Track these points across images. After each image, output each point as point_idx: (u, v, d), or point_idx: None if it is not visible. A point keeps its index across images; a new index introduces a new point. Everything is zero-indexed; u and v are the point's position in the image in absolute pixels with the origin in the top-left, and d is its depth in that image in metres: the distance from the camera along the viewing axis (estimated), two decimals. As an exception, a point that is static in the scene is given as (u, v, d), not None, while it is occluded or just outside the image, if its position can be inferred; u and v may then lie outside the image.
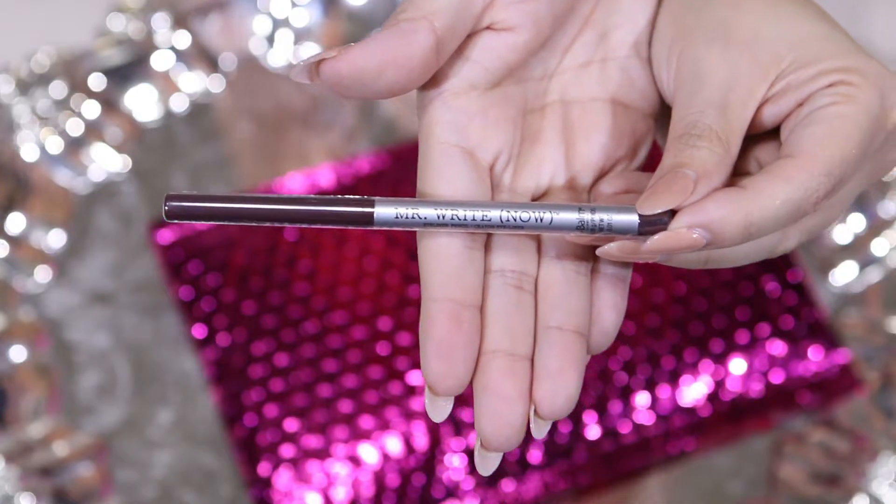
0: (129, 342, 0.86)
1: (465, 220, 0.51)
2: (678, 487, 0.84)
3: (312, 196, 0.51)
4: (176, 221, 0.51)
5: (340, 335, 0.83)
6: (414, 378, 0.82)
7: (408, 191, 0.87)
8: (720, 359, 0.85)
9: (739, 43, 0.52)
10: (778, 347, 0.85)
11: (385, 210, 0.51)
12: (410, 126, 0.92)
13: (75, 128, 0.90)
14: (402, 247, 0.85)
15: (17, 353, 0.85)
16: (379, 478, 0.81)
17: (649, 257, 0.51)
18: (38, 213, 0.88)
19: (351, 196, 0.51)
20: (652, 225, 0.50)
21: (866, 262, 0.90)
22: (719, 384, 0.84)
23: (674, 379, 0.84)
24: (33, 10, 0.97)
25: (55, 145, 0.90)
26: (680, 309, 0.85)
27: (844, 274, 0.90)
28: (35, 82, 0.91)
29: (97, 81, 0.92)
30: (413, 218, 0.51)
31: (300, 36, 0.94)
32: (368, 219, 0.51)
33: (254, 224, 0.51)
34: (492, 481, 0.82)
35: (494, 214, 0.51)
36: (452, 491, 0.82)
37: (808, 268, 0.89)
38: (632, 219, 0.50)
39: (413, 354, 0.83)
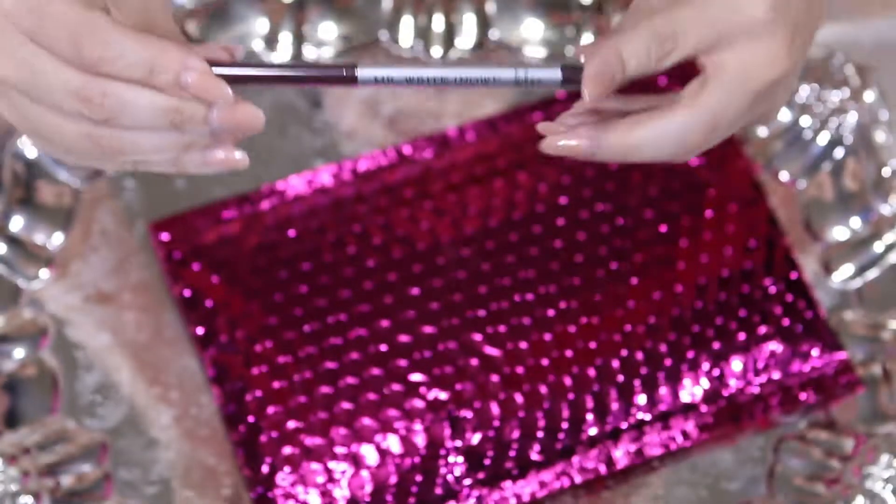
0: (129, 341, 0.86)
1: (427, 79, 0.65)
2: (677, 486, 0.84)
3: (310, 63, 0.63)
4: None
5: (341, 335, 0.83)
6: (414, 378, 0.82)
7: (407, 191, 0.87)
8: (719, 358, 0.85)
9: None
10: (777, 347, 0.85)
11: (366, 73, 0.64)
12: (411, 126, 0.93)
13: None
14: (402, 246, 0.85)
15: (18, 353, 0.85)
16: (379, 477, 0.81)
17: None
18: (38, 212, 0.89)
19: (338, 63, 0.64)
20: (571, 83, 0.64)
21: (866, 261, 0.90)
22: (719, 383, 0.85)
23: (673, 378, 0.84)
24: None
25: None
26: (679, 308, 0.85)
27: (844, 273, 0.90)
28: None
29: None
30: (388, 80, 0.65)
31: (300, 36, 0.95)
32: (353, 78, 0.65)
33: (260, 86, 0.63)
34: (491, 481, 0.82)
35: (450, 75, 0.65)
36: (452, 490, 0.82)
37: (807, 267, 0.89)
38: (556, 75, 0.64)
39: (413, 354, 0.83)
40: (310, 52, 0.94)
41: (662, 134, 0.64)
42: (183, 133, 0.63)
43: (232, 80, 0.63)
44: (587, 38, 0.95)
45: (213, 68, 0.63)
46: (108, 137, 0.63)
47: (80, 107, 0.62)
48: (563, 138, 0.65)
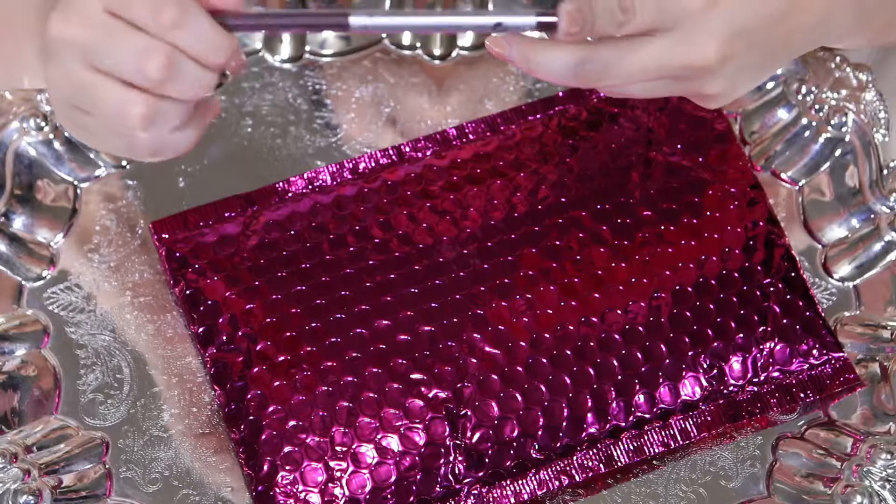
0: (130, 341, 0.86)
1: (413, 26, 0.72)
2: (677, 485, 0.84)
3: (305, 11, 0.71)
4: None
5: (341, 334, 0.83)
6: (414, 377, 0.82)
7: (408, 191, 0.87)
8: (719, 357, 0.85)
9: None
10: (777, 346, 0.86)
11: (358, 20, 0.70)
12: (410, 126, 0.93)
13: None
14: (402, 245, 0.85)
15: (20, 352, 0.85)
16: (378, 476, 0.81)
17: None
18: (39, 211, 0.89)
19: (332, 11, 0.72)
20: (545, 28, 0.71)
21: (865, 260, 0.90)
22: (718, 382, 0.85)
23: (673, 377, 0.84)
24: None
25: (56, 143, 0.90)
26: (679, 307, 0.85)
27: (843, 273, 0.90)
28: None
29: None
30: (377, 27, 0.71)
31: (300, 36, 0.95)
32: (345, 25, 0.70)
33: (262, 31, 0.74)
34: (491, 479, 0.82)
35: (433, 23, 0.71)
36: (452, 489, 0.82)
37: (806, 266, 0.89)
38: (531, 21, 0.71)
39: (413, 353, 0.83)
40: (310, 53, 0.94)
41: (558, 66, 0.73)
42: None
43: (236, 28, 0.72)
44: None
45: (219, 19, 0.71)
46: (153, 103, 0.72)
47: (142, 66, 0.71)
48: (498, 42, 0.73)
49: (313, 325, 0.83)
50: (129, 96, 0.72)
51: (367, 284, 0.84)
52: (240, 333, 0.83)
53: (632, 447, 0.83)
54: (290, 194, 0.87)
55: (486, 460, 0.82)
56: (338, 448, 0.81)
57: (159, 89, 0.71)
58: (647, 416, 0.84)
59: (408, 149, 0.89)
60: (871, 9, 0.79)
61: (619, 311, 0.84)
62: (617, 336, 0.84)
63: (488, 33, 0.71)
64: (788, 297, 0.86)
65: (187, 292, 0.85)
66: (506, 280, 0.84)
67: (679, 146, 0.88)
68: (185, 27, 0.71)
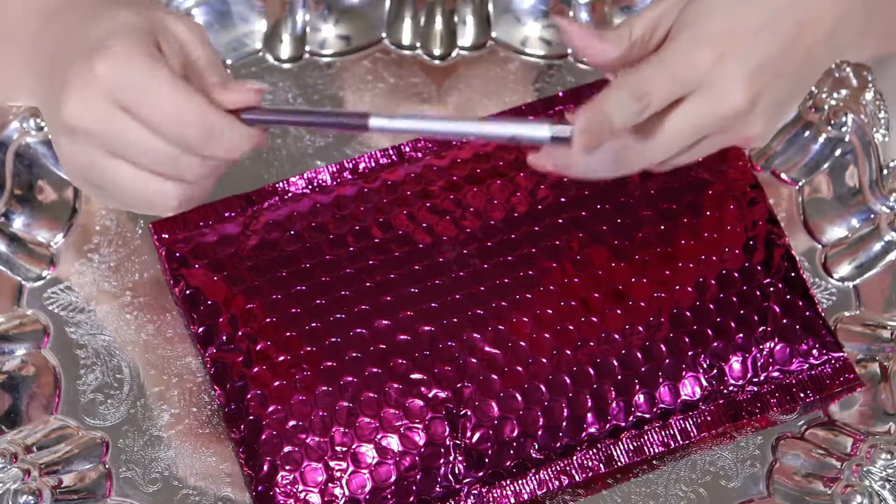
0: (130, 341, 0.86)
1: (430, 131, 0.74)
2: (677, 485, 0.84)
3: (327, 110, 0.72)
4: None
5: (341, 334, 0.83)
6: (414, 376, 0.82)
7: (408, 191, 0.87)
8: (719, 357, 0.85)
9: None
10: (776, 346, 0.86)
11: (377, 122, 0.71)
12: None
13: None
14: (402, 245, 0.85)
15: (20, 352, 0.85)
16: (378, 476, 0.81)
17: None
18: (40, 211, 0.89)
19: (352, 112, 0.72)
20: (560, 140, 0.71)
21: (865, 260, 0.90)
22: (718, 382, 0.85)
23: (673, 377, 0.84)
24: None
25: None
26: (679, 307, 0.85)
27: (843, 272, 0.90)
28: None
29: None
30: (395, 130, 0.72)
31: (300, 36, 0.95)
32: (365, 126, 0.71)
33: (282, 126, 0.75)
34: (491, 479, 0.82)
35: (449, 129, 0.72)
36: (452, 489, 0.82)
37: (806, 266, 0.89)
38: (545, 134, 0.71)
39: (413, 353, 0.83)
40: (310, 53, 0.94)
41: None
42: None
43: (255, 123, 0.71)
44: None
45: (243, 114, 0.71)
46: (189, 191, 0.73)
47: (168, 167, 0.70)
48: (538, 161, 0.74)
49: (313, 325, 0.83)
50: (151, 184, 0.71)
51: (367, 284, 0.84)
52: (240, 333, 0.83)
53: (632, 447, 0.84)
54: (289, 194, 0.87)
55: (486, 460, 0.82)
56: (338, 448, 0.81)
57: (180, 178, 0.72)
58: (647, 415, 0.84)
59: (408, 149, 0.89)
60: (880, 8, 0.79)
61: (618, 311, 0.84)
62: (617, 336, 0.84)
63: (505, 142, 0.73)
64: (788, 297, 0.86)
65: (187, 292, 0.85)
66: (505, 280, 0.84)
67: (679, 146, 0.88)
68: (210, 145, 0.70)
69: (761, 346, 0.85)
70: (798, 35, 0.75)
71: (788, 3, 0.74)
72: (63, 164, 0.74)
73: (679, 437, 0.84)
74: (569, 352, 0.83)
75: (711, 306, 0.85)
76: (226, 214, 0.87)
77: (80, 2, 0.74)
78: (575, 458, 0.83)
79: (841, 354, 0.86)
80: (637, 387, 0.84)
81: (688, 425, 0.84)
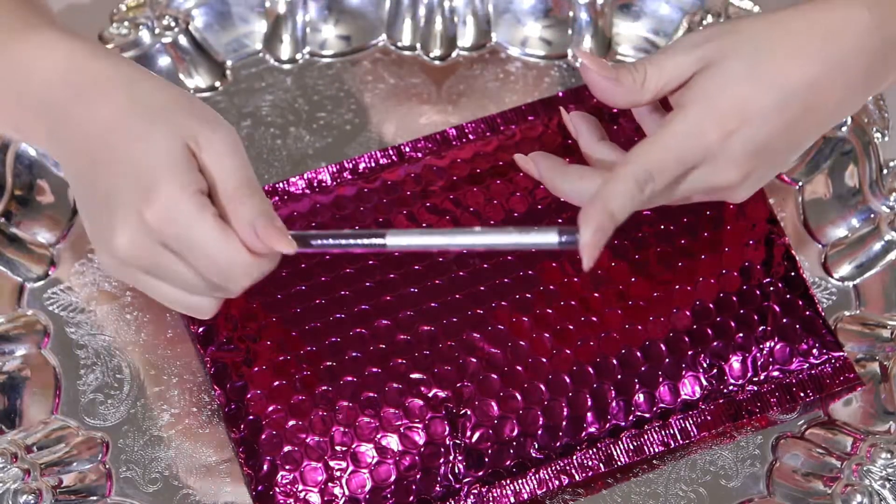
0: (130, 341, 0.86)
1: (446, 245, 0.74)
2: (677, 484, 0.84)
3: (345, 231, 0.73)
4: None
5: (340, 333, 0.83)
6: (413, 376, 0.82)
7: (407, 191, 0.87)
8: (719, 357, 0.85)
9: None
10: (776, 345, 0.86)
11: (395, 240, 0.73)
12: (410, 126, 0.93)
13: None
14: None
15: (20, 353, 0.85)
16: (378, 476, 0.81)
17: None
18: (40, 212, 0.89)
19: (370, 231, 0.73)
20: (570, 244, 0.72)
21: (865, 260, 0.90)
22: (718, 382, 0.85)
23: (673, 376, 0.84)
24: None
25: (57, 145, 0.90)
26: (678, 307, 0.85)
27: (843, 272, 0.90)
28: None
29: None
30: (413, 246, 0.74)
31: (301, 36, 0.95)
32: (383, 245, 0.73)
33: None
34: (491, 479, 0.82)
35: (463, 241, 0.74)
36: (452, 488, 0.82)
37: (806, 266, 0.89)
38: (553, 239, 0.72)
39: (412, 352, 0.83)
40: (310, 53, 0.94)
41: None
42: None
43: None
44: (586, 41, 0.95)
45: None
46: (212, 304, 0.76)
47: (204, 291, 0.74)
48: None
49: (313, 324, 0.83)
50: (192, 300, 0.75)
51: (367, 284, 0.84)
52: (239, 333, 0.83)
53: (632, 446, 0.84)
54: (289, 194, 0.87)
55: (486, 460, 0.82)
56: (338, 448, 0.81)
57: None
58: (647, 415, 0.84)
59: (408, 149, 0.89)
60: (880, 71, 0.78)
61: (618, 311, 0.84)
62: (616, 335, 0.84)
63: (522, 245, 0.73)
64: (788, 296, 0.86)
65: (187, 292, 0.85)
66: (505, 280, 0.85)
67: (679, 146, 0.88)
68: (250, 283, 0.73)
69: (761, 346, 0.85)
70: (803, 117, 0.75)
71: (804, 85, 0.74)
72: (103, 269, 0.80)
73: (679, 437, 0.84)
74: (568, 351, 0.83)
75: (711, 306, 0.85)
76: (226, 214, 0.87)
77: (112, 91, 0.74)
78: (575, 457, 0.83)
79: (841, 354, 0.86)
80: (637, 386, 0.84)
81: (688, 425, 0.84)
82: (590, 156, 0.78)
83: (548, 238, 0.72)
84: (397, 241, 0.73)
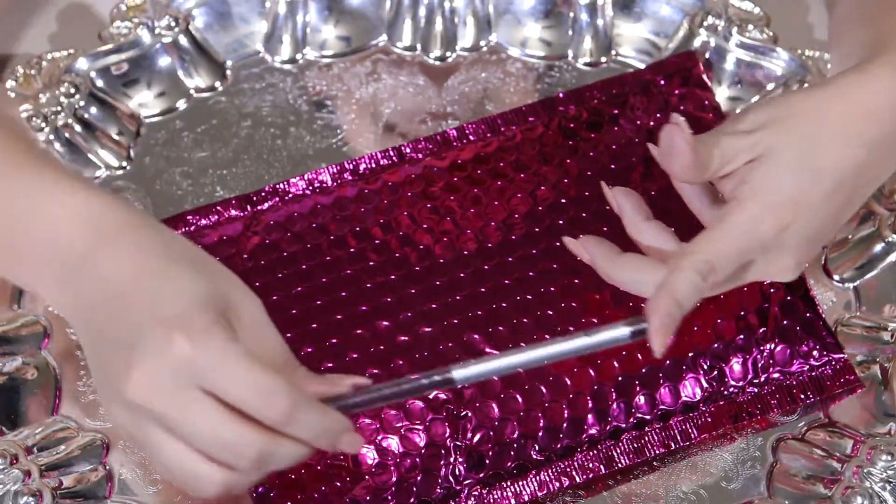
0: (130, 342, 0.86)
1: (513, 365, 0.73)
2: (677, 486, 0.84)
3: (410, 378, 0.72)
4: None
5: (340, 335, 0.83)
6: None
7: (408, 192, 0.87)
8: (719, 358, 0.85)
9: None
10: (777, 347, 0.86)
11: (461, 373, 0.72)
12: (409, 127, 0.93)
13: (76, 128, 0.91)
14: (402, 246, 0.85)
15: (20, 354, 0.85)
16: (379, 477, 0.81)
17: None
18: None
19: (435, 371, 0.72)
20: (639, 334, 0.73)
21: (865, 261, 0.90)
22: (718, 384, 0.85)
23: (673, 378, 0.84)
24: (34, 11, 0.97)
25: (56, 145, 0.90)
26: (679, 308, 0.85)
27: (843, 273, 0.90)
28: (36, 82, 0.91)
29: (98, 81, 0.92)
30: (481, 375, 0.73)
31: (301, 36, 0.95)
32: (451, 380, 0.72)
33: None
34: (491, 480, 0.82)
35: (537, 356, 0.73)
36: (452, 490, 0.82)
37: (807, 267, 0.89)
38: (624, 333, 0.73)
39: (412, 354, 0.83)
40: (310, 54, 0.94)
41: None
42: None
43: (347, 409, 0.71)
44: (586, 42, 0.95)
45: (331, 404, 0.70)
46: (235, 480, 0.68)
47: (225, 456, 0.67)
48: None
49: (313, 325, 0.83)
50: (202, 467, 0.68)
51: (368, 285, 0.84)
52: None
53: (632, 448, 0.84)
54: (290, 195, 0.87)
55: (487, 461, 0.82)
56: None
57: (232, 466, 0.68)
58: (648, 417, 0.84)
59: (408, 150, 0.89)
60: None
61: (619, 312, 0.84)
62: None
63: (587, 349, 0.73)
64: (788, 298, 0.86)
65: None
66: (506, 281, 0.84)
67: (679, 147, 0.88)
68: (296, 421, 0.67)
69: (762, 348, 0.85)
70: (849, 199, 0.78)
71: (850, 171, 0.77)
72: (108, 419, 0.76)
73: (679, 439, 0.84)
74: (569, 352, 0.83)
75: (711, 307, 0.85)
76: (226, 215, 0.87)
77: (133, 243, 0.70)
78: (575, 459, 0.83)
79: (841, 356, 0.86)
80: (637, 388, 0.84)
81: (688, 426, 0.84)
82: (637, 238, 0.79)
83: (619, 333, 0.73)
84: (465, 373, 0.72)
